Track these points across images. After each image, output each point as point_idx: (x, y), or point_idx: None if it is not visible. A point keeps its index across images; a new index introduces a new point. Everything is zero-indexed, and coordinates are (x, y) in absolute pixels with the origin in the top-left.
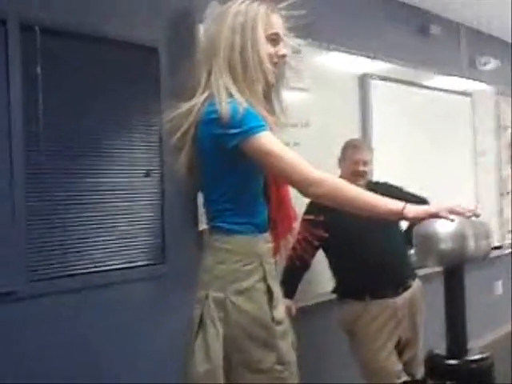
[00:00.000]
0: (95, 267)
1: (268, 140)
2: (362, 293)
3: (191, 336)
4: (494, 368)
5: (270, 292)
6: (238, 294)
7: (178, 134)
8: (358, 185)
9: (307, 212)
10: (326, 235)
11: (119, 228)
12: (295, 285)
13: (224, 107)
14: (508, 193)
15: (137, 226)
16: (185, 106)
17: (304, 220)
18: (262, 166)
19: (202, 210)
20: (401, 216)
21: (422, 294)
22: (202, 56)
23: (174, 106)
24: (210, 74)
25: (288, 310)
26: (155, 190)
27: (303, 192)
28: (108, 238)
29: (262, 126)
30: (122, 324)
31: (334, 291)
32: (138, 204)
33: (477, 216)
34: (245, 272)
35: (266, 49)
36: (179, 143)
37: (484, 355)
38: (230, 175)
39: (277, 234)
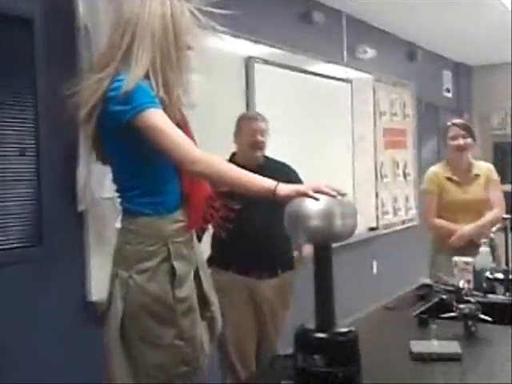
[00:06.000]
0: None
1: (156, 116)
2: (228, 264)
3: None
4: (359, 340)
5: (173, 272)
6: (141, 273)
7: (86, 108)
8: (255, 157)
9: None
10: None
11: None
12: None
13: (131, 84)
14: (383, 176)
15: (11, 207)
16: (94, 78)
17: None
18: (150, 142)
19: (80, 191)
20: (273, 193)
21: (290, 289)
22: (122, 27)
23: (84, 77)
24: (129, 47)
25: None
26: (31, 169)
27: (183, 169)
28: None
29: (153, 102)
30: None
31: (207, 261)
32: (13, 183)
33: (342, 195)
34: (148, 253)
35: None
36: (86, 118)
37: (350, 328)
38: (132, 153)
39: (191, 207)
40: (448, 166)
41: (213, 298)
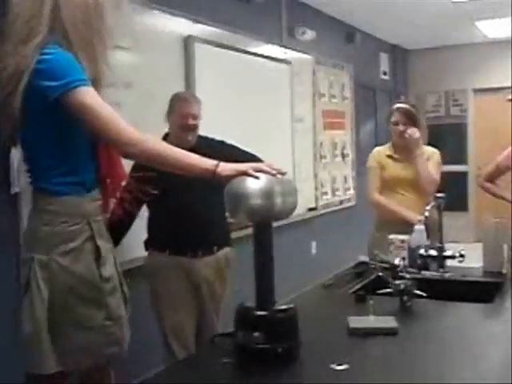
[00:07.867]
0: None
1: (88, 95)
2: (163, 245)
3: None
4: (298, 317)
5: (97, 251)
6: (64, 255)
7: (12, 83)
8: (187, 139)
9: (137, 167)
10: (155, 192)
11: None
12: (119, 237)
13: (64, 58)
14: (322, 157)
15: None
16: (20, 51)
17: (133, 175)
18: (81, 121)
19: (14, 172)
20: (214, 174)
21: (229, 266)
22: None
23: (6, 50)
24: (56, 17)
25: None
26: None
27: (118, 151)
28: None
29: (84, 80)
30: None
31: (144, 244)
32: None
33: (282, 174)
34: (71, 233)
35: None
36: (8, 91)
37: (289, 306)
38: (54, 132)
39: (106, 191)
40: (392, 146)
41: (122, 277)
